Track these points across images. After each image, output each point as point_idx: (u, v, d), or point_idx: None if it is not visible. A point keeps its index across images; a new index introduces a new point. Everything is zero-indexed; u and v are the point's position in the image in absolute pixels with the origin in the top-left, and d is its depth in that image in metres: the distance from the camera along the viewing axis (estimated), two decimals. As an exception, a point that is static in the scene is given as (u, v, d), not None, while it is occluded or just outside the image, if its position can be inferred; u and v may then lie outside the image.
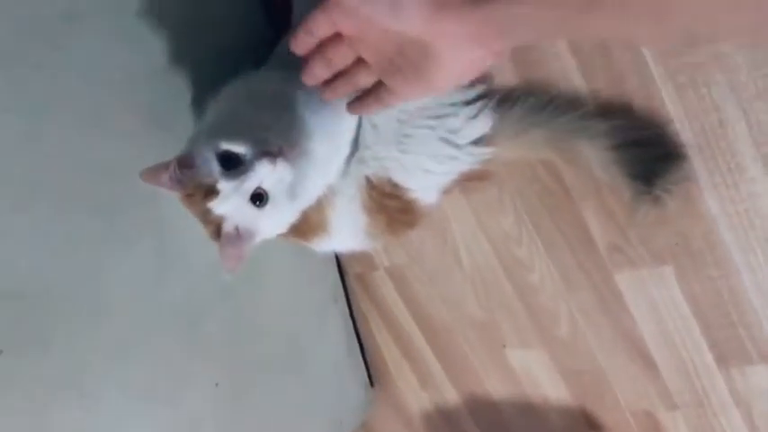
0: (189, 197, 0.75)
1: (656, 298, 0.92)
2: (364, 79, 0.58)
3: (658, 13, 0.36)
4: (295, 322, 1.19)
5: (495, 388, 1.21)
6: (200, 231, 0.85)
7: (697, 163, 0.79)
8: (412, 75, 0.51)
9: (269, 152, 0.71)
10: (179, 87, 0.87)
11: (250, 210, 0.75)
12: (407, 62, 0.50)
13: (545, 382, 1.14)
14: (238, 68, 0.85)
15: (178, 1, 0.86)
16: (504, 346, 1.15)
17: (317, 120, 0.82)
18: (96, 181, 0.79)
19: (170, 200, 0.86)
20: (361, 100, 0.61)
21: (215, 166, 0.73)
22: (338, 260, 1.28)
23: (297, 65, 0.81)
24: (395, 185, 0.88)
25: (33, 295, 0.74)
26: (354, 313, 1.34)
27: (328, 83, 0.61)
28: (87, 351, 0.79)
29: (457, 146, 0.86)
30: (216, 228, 0.77)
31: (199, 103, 0.87)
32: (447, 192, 0.94)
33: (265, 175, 0.72)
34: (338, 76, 0.60)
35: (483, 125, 0.86)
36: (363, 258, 1.23)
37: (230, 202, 0.74)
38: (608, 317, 0.99)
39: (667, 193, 0.78)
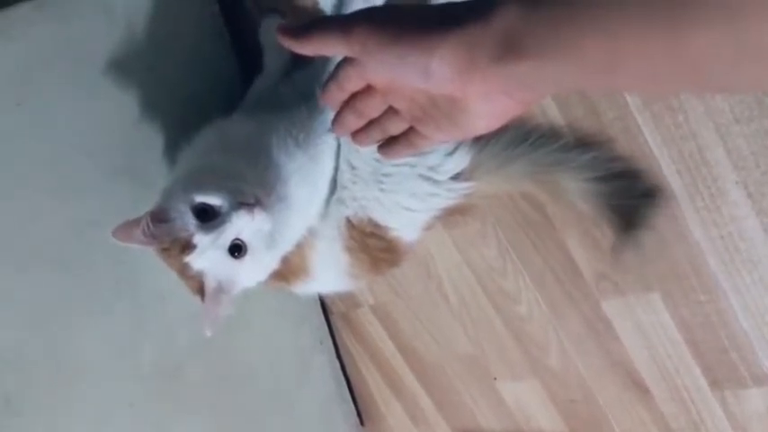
0: (165, 251, 0.73)
1: (645, 324, 0.91)
2: (396, 126, 0.57)
3: (690, 76, 0.36)
4: (281, 365, 1.16)
5: (489, 422, 1.19)
6: (176, 280, 0.83)
7: (678, 189, 0.79)
8: (444, 123, 0.51)
9: (245, 203, 0.70)
10: (149, 137, 0.86)
11: (229, 262, 0.73)
12: (439, 112, 0.50)
13: (539, 414, 1.12)
14: (210, 114, 0.83)
15: (145, 50, 0.84)
16: (495, 378, 1.13)
17: (293, 163, 0.80)
18: (66, 241, 0.77)
19: (143, 253, 0.84)
20: (391, 145, 0.60)
21: (190, 220, 0.71)
22: (322, 300, 1.26)
23: (269, 109, 0.80)
24: (376, 225, 0.87)
25: (2, 361, 0.71)
26: (341, 353, 1.32)
27: (359, 130, 0.60)
28: (63, 416, 0.76)
29: (436, 182, 0.85)
30: (195, 282, 0.75)
31: (171, 151, 0.86)
32: (429, 228, 0.93)
33: (243, 226, 0.71)
34: (369, 123, 0.59)
35: (461, 160, 0.85)
36: (348, 297, 1.21)
37: (208, 256, 0.72)
38: (598, 345, 0.97)
39: (648, 231, 0.78)
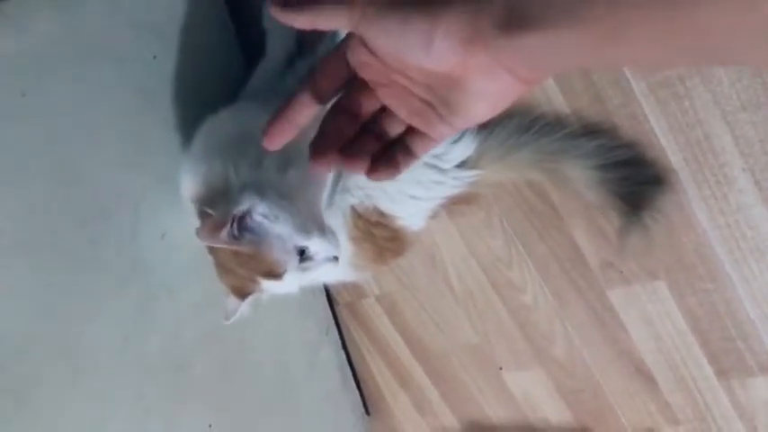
0: (238, 258, 0.75)
1: (651, 313, 0.91)
2: (392, 126, 0.52)
3: (698, 47, 0.35)
4: (287, 356, 1.17)
5: (495, 411, 1.19)
6: (182, 274, 0.83)
7: (684, 176, 0.78)
8: (444, 111, 0.48)
9: (336, 257, 0.77)
10: (154, 127, 0.86)
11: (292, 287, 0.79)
12: (437, 99, 0.48)
13: (544, 404, 1.12)
14: (215, 105, 0.83)
15: (149, 39, 0.84)
16: (501, 368, 1.13)
17: None
18: (72, 233, 0.76)
19: (150, 244, 0.84)
20: (389, 162, 0.52)
21: (294, 260, 0.75)
22: (327, 291, 1.26)
23: (276, 99, 0.80)
24: (381, 214, 0.87)
25: (9, 358, 0.71)
26: (347, 343, 1.32)
27: (351, 152, 0.52)
28: (70, 408, 0.77)
29: (442, 170, 0.85)
30: (242, 286, 0.78)
31: (177, 140, 0.86)
32: (434, 216, 0.92)
33: (326, 269, 0.78)
34: (361, 132, 0.53)
35: (466, 148, 0.85)
36: (353, 287, 1.21)
37: (286, 285, 0.77)
38: (604, 334, 0.97)
39: (655, 219, 0.78)
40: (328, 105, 0.52)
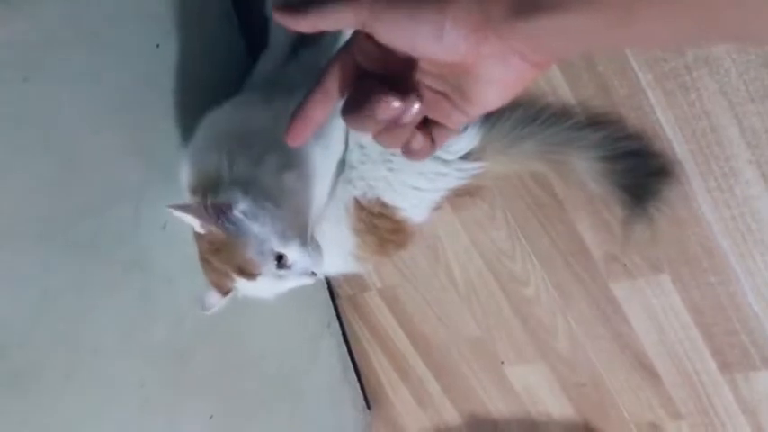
0: (213, 247, 0.74)
1: (654, 307, 0.90)
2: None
3: (703, 15, 0.34)
4: (288, 348, 1.16)
5: (496, 405, 1.19)
6: (184, 265, 0.83)
7: (690, 168, 0.78)
8: (457, 98, 0.48)
9: (314, 272, 0.76)
10: (156, 117, 0.85)
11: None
12: (451, 88, 0.47)
13: (546, 398, 1.11)
14: (217, 95, 0.83)
15: (152, 28, 0.84)
16: (503, 362, 1.13)
17: (315, 163, 0.81)
18: (74, 220, 0.76)
19: (151, 234, 0.84)
20: (412, 148, 0.51)
21: (271, 263, 0.74)
22: (329, 283, 1.26)
23: (279, 91, 0.79)
24: (384, 205, 0.87)
25: (11, 344, 0.71)
26: (348, 336, 1.32)
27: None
28: (71, 395, 0.76)
29: (445, 162, 0.85)
30: (221, 281, 0.78)
31: (179, 131, 0.86)
32: (437, 208, 0.92)
33: (304, 282, 0.77)
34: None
35: (470, 140, 0.84)
36: (355, 280, 1.21)
37: (259, 288, 0.76)
38: (607, 328, 0.97)
39: (660, 211, 0.78)
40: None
